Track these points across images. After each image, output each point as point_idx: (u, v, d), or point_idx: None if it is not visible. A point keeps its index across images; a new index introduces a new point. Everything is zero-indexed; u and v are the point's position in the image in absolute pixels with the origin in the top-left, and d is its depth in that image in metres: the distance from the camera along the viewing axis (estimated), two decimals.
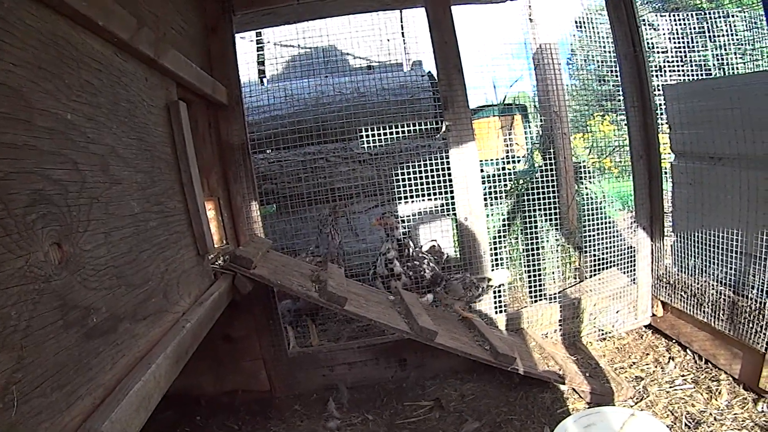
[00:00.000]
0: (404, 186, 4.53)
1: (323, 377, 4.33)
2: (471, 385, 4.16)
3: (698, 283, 4.12)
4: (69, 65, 1.78)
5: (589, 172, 5.18)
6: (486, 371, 4.23)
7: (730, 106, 3.70)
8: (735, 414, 3.49)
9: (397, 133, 4.67)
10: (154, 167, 2.43)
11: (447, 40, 4.27)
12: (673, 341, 4.54)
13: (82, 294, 1.65)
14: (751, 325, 3.60)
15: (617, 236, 4.87)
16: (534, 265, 4.95)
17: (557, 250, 4.99)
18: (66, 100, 1.72)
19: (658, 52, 4.96)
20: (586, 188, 5.06)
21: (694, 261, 4.23)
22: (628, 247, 4.88)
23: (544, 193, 4.77)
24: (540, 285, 4.92)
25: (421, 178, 4.48)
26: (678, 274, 4.42)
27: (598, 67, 5.12)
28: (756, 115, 3.47)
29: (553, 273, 4.97)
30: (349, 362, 4.34)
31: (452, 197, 4.45)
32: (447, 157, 4.43)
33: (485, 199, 4.63)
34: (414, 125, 4.68)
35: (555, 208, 4.87)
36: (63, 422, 1.46)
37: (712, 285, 3.98)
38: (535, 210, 4.83)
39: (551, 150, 5.02)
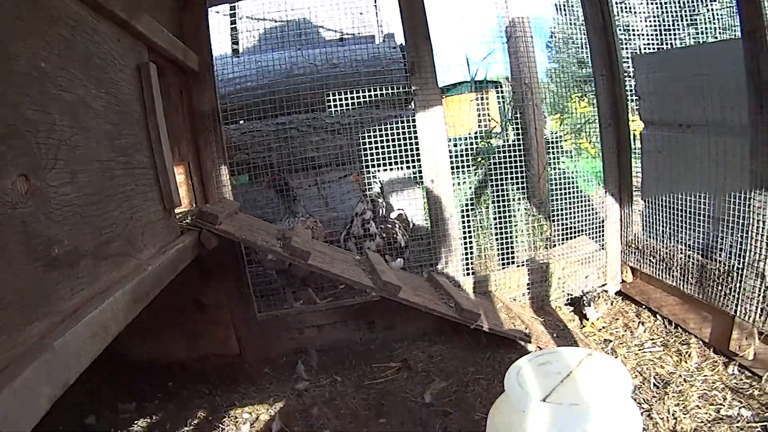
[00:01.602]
0: (374, 155, 4.59)
1: (292, 341, 4.41)
2: (439, 347, 4.26)
3: (667, 248, 4.23)
4: (46, 21, 1.89)
5: (562, 147, 5.27)
6: (454, 333, 4.32)
7: (699, 74, 3.79)
8: (705, 376, 3.59)
9: (368, 103, 4.76)
10: (123, 122, 2.52)
11: (414, 6, 4.36)
12: (643, 307, 4.65)
13: (46, 226, 1.73)
14: (720, 288, 3.70)
15: (587, 206, 4.96)
16: (504, 235, 5.03)
17: (528, 220, 5.07)
18: (42, 51, 1.83)
19: (636, 35, 5.04)
20: (557, 159, 5.14)
21: (663, 227, 4.32)
22: (597, 216, 4.98)
23: (514, 163, 4.84)
24: (511, 254, 4.99)
25: (391, 147, 4.55)
26: (647, 240, 4.52)
27: (577, 51, 5.21)
28: (724, 83, 3.56)
29: (523, 242, 5.05)
30: (317, 325, 4.41)
31: (419, 162, 4.54)
32: (416, 125, 4.53)
33: (456, 170, 4.73)
34: (384, 95, 4.75)
35: (525, 179, 4.95)
36: (20, 338, 1.54)
37: (681, 250, 4.08)
38: (505, 180, 4.90)
39: (522, 121, 5.10)
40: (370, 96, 4.66)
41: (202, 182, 4.26)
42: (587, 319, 4.51)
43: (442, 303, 4.00)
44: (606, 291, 4.59)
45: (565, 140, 5.47)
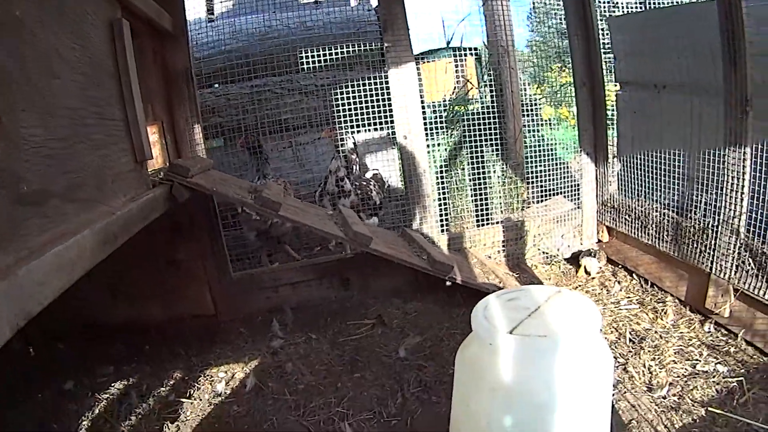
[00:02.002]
0: (350, 116, 4.54)
1: (267, 299, 4.38)
2: (414, 303, 4.25)
3: (643, 207, 4.22)
4: None
5: (539, 109, 5.24)
6: (429, 291, 4.30)
7: (675, 35, 3.76)
8: (681, 332, 3.60)
9: (343, 64, 4.71)
10: (95, 74, 2.50)
11: None
12: (619, 266, 4.65)
13: (15, 163, 1.72)
14: (695, 245, 3.69)
15: (564, 169, 4.94)
16: (480, 196, 5.01)
17: (504, 182, 5.04)
18: (17, 1, 1.82)
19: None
20: (534, 122, 5.12)
21: (639, 187, 4.32)
22: (573, 178, 4.96)
23: (490, 125, 4.84)
24: (486, 214, 4.99)
25: (365, 107, 4.50)
26: (623, 200, 4.51)
27: (558, 23, 5.17)
28: (699, 44, 3.52)
29: (499, 203, 5.03)
30: (292, 283, 4.38)
31: (392, 118, 4.51)
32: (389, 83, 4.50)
33: (432, 132, 4.70)
34: (358, 54, 4.70)
35: (501, 141, 4.96)
36: None
37: (656, 208, 4.08)
38: (481, 142, 4.88)
39: (498, 84, 5.06)
40: (344, 53, 4.60)
41: (175, 141, 4.21)
42: (587, 273, 4.49)
43: (415, 256, 3.96)
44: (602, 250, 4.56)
45: (542, 107, 5.45)
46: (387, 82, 4.48)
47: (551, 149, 5.12)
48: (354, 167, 4.87)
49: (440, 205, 4.84)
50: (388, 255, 3.72)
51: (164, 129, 4.12)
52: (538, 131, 5.20)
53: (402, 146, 4.56)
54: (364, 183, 4.87)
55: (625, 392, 3.17)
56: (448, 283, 3.93)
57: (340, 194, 4.71)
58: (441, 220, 4.81)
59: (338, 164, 4.66)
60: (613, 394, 3.13)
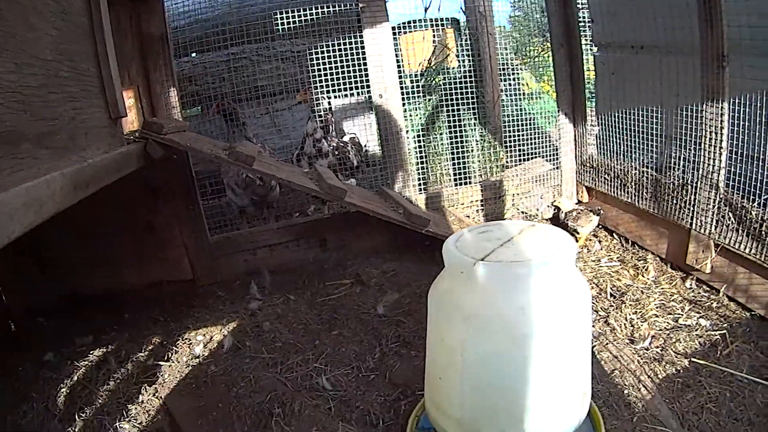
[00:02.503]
0: (327, 81, 4.44)
1: (245, 262, 4.31)
2: (392, 263, 4.19)
3: (621, 166, 4.16)
4: None
5: (518, 75, 5.19)
6: (407, 250, 4.24)
7: None
8: (663, 288, 3.56)
9: (320, 30, 4.61)
10: (70, 30, 2.52)
11: None
12: (599, 226, 4.57)
13: None
14: (675, 202, 3.65)
15: (542, 133, 4.88)
16: (459, 159, 4.94)
17: (482, 146, 4.98)
18: None
19: None
20: (512, 87, 5.06)
21: (618, 147, 4.26)
22: (552, 144, 4.90)
23: (468, 90, 4.76)
24: (465, 176, 4.94)
25: (342, 72, 4.42)
26: (601, 159, 4.45)
27: None
28: (676, 3, 3.46)
29: (478, 166, 4.97)
30: (270, 245, 4.31)
31: (368, 82, 4.42)
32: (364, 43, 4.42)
33: (411, 98, 4.63)
34: (335, 23, 4.60)
35: (479, 105, 4.92)
36: None
37: (635, 167, 4.03)
38: (460, 106, 4.81)
39: (476, 49, 4.99)
40: (320, 15, 4.50)
41: (151, 105, 4.14)
42: (577, 234, 4.42)
43: (391, 210, 3.88)
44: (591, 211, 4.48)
45: (521, 73, 5.39)
46: (363, 46, 4.38)
47: (532, 118, 5.06)
48: (330, 127, 4.77)
49: (419, 168, 4.77)
50: (363, 208, 3.63)
51: (140, 94, 4.08)
52: (516, 97, 5.12)
53: (378, 106, 4.47)
54: (342, 144, 4.79)
55: (607, 344, 3.12)
56: (426, 243, 3.86)
57: (318, 155, 4.61)
58: (419, 182, 4.71)
59: (315, 126, 4.57)
60: (595, 346, 3.09)
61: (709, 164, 3.38)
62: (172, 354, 3.38)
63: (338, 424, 2.64)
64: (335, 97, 4.55)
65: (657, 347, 3.04)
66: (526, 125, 4.84)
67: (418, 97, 4.95)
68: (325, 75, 4.40)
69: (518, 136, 4.80)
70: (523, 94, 5.34)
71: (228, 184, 4.56)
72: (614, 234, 4.42)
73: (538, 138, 4.85)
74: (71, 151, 2.39)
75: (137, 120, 3.93)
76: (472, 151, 4.99)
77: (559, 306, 1.94)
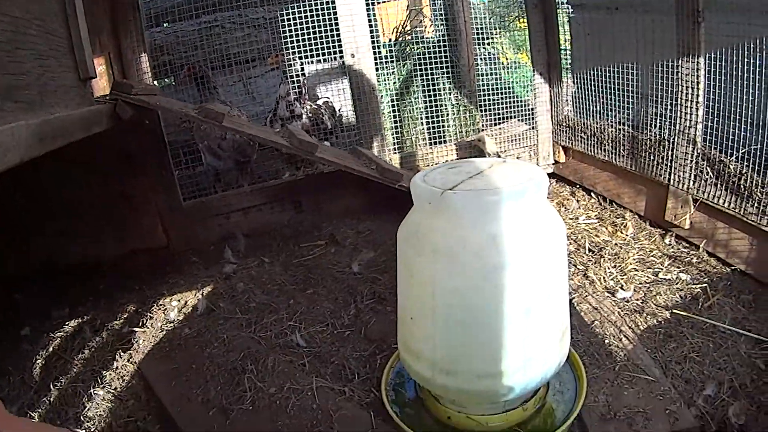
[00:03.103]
0: (300, 47, 4.32)
1: (219, 227, 4.21)
2: (368, 223, 4.13)
3: (598, 124, 4.10)
4: None
5: (493, 38, 5.11)
6: (384, 211, 4.17)
7: None
8: (642, 245, 3.50)
9: None
10: None
11: None
12: (577, 186, 4.51)
13: None
14: (652, 158, 3.58)
15: (521, 103, 4.81)
16: (434, 123, 4.87)
17: (458, 110, 4.89)
18: None
19: None
20: (487, 52, 4.98)
21: (594, 106, 4.19)
22: (529, 108, 4.82)
23: (443, 54, 4.69)
24: (441, 139, 4.83)
25: (315, 37, 4.31)
26: (578, 118, 4.39)
27: None
28: None
29: (453, 130, 4.88)
30: (244, 208, 4.21)
31: (339, 39, 4.29)
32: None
33: (385, 63, 4.54)
34: None
35: (454, 69, 4.85)
36: None
37: (612, 124, 3.97)
38: (435, 71, 4.73)
39: (451, 13, 4.89)
40: None
41: (123, 73, 4.03)
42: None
43: (364, 166, 3.76)
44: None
45: (497, 37, 5.30)
46: (334, 5, 4.25)
47: (509, 86, 5.01)
48: (303, 90, 4.67)
49: (394, 132, 4.67)
50: (335, 163, 3.51)
51: (111, 60, 3.98)
52: (493, 64, 5.05)
53: (350, 66, 4.34)
54: (315, 107, 4.68)
55: (586, 296, 3.05)
56: (403, 203, 3.76)
57: (291, 118, 4.51)
58: (394, 144, 4.61)
59: (287, 88, 4.46)
60: (574, 297, 3.02)
61: (686, 119, 3.31)
62: (146, 320, 3.29)
63: (312, 378, 2.56)
64: (308, 62, 4.42)
65: (637, 300, 2.98)
66: (504, 91, 4.74)
67: (393, 62, 4.86)
68: (297, 38, 4.28)
69: (494, 100, 4.69)
70: (502, 64, 5.26)
71: (209, 147, 4.42)
72: (592, 193, 4.34)
73: (515, 102, 4.74)
74: (39, 107, 2.36)
75: (108, 87, 3.79)
76: (447, 114, 4.91)
77: (532, 237, 1.83)
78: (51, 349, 3.19)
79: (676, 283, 3.06)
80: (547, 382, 2.34)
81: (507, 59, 5.49)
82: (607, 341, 2.67)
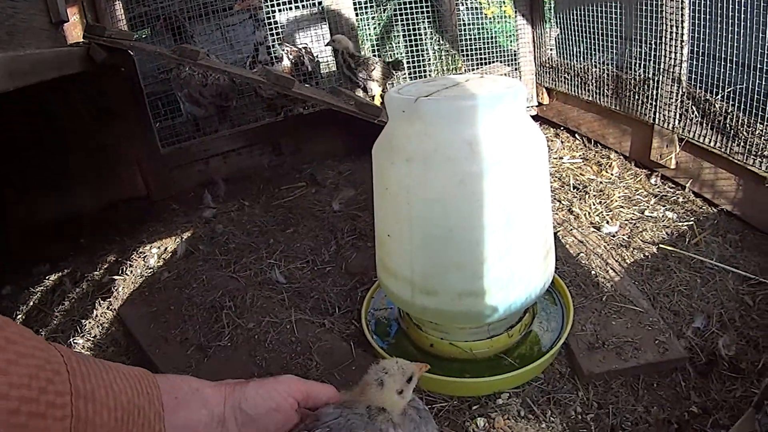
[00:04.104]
0: None
1: (199, 173, 4.12)
2: (349, 164, 4.09)
3: (582, 65, 4.00)
4: None
5: None
6: (364, 153, 4.00)
7: None
8: (627, 184, 3.44)
9: None
10: None
11: None
12: (561, 128, 4.42)
13: None
14: (637, 97, 3.49)
15: (501, 48, 4.70)
16: (416, 70, 4.78)
17: (440, 56, 4.78)
18: None
19: None
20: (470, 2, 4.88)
21: (577, 47, 4.09)
22: (512, 54, 4.72)
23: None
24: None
25: None
26: (561, 60, 4.28)
27: None
28: None
29: (435, 74, 4.79)
30: (223, 152, 4.13)
31: None
32: None
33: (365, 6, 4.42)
34: None
35: (435, 14, 4.75)
36: None
37: (596, 64, 3.87)
38: (416, 16, 4.62)
39: None
40: None
41: (97, 20, 3.89)
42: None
43: (343, 103, 3.65)
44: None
45: (485, 4, 5.19)
46: None
47: (492, 35, 4.89)
48: (281, 31, 4.54)
49: None
50: (310, 97, 3.41)
51: (84, 8, 3.85)
52: (476, 13, 4.94)
53: (328, 7, 4.21)
54: (296, 50, 4.53)
55: (571, 230, 2.98)
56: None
57: (272, 61, 4.36)
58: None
59: (264, 33, 4.30)
60: (559, 231, 2.95)
61: (670, 58, 3.21)
62: (126, 269, 3.21)
63: (291, 312, 2.49)
64: (287, 8, 4.30)
65: (624, 235, 2.91)
66: (486, 39, 4.67)
67: (373, 6, 4.73)
68: None
69: (477, 46, 4.59)
70: (485, 15, 5.14)
71: (188, 96, 4.28)
72: (576, 134, 4.24)
73: (497, 49, 4.64)
74: (9, 46, 2.35)
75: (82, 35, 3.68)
76: (429, 60, 4.80)
77: (509, 145, 1.71)
78: (31, 304, 3.12)
79: (663, 221, 3.00)
80: (533, 311, 2.29)
81: (491, 11, 5.37)
82: (593, 272, 2.60)
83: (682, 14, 3.08)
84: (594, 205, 3.20)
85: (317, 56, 5.04)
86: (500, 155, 1.68)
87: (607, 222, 3.02)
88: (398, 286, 1.96)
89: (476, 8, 5.00)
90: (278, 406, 1.14)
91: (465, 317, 1.94)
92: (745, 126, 2.79)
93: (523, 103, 1.82)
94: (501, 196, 1.70)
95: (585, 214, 3.13)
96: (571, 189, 3.43)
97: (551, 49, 4.43)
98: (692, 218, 2.96)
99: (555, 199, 3.32)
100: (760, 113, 2.71)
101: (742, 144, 2.81)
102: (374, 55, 4.60)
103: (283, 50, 4.34)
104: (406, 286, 1.92)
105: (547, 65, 4.41)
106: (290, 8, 4.29)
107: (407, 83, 2.05)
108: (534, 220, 1.84)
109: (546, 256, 1.96)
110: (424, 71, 4.73)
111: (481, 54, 4.62)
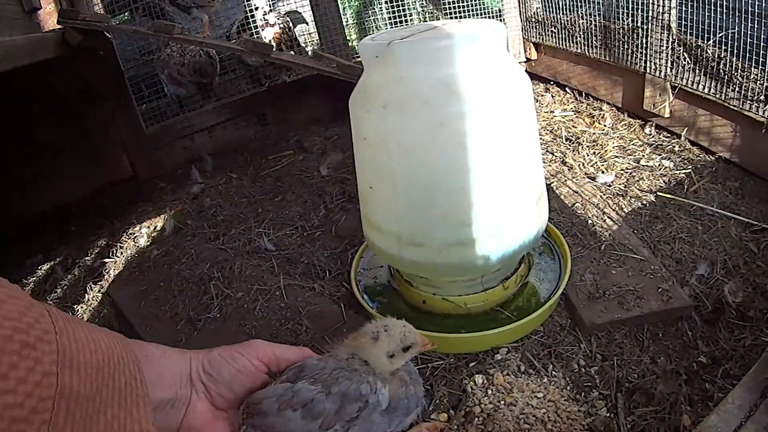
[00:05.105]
0: None
1: (185, 150, 4.03)
2: (335, 129, 4.02)
3: (568, 17, 3.87)
4: None
5: None
6: (349, 116, 3.99)
7: None
8: (621, 134, 3.35)
9: None
10: None
11: None
12: (551, 82, 4.30)
13: None
14: (627, 47, 3.37)
15: (487, 8, 4.58)
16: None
17: (424, 17, 4.68)
18: None
19: None
20: None
21: (563, 0, 3.94)
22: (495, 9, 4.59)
23: None
24: None
25: None
26: (547, 14, 4.16)
27: None
28: None
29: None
30: (208, 127, 4.04)
31: None
32: None
33: None
34: None
35: None
36: None
37: (583, 15, 3.74)
38: None
39: None
40: None
41: (72, 5, 3.71)
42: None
43: (324, 65, 3.54)
44: None
45: None
46: None
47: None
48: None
49: (358, 42, 4.46)
50: (291, 62, 3.32)
51: None
52: None
53: None
54: (282, 16, 4.42)
55: (565, 180, 2.89)
56: None
57: (264, 26, 4.22)
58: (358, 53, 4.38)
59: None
60: (552, 182, 2.86)
61: (659, 5, 3.08)
62: (117, 251, 3.15)
63: (280, 278, 2.43)
64: None
65: (620, 184, 2.83)
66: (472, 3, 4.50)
67: None
68: None
69: (461, 4, 4.44)
70: None
71: (169, 76, 4.17)
72: (567, 88, 4.12)
73: (483, 9, 4.51)
74: None
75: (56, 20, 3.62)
76: (412, 19, 4.67)
77: (490, 84, 1.60)
78: None
79: (659, 170, 2.91)
80: (529, 262, 2.19)
81: None
82: (590, 222, 2.51)
83: None
84: (588, 156, 3.12)
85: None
86: (480, 95, 1.57)
87: (602, 172, 2.93)
88: (385, 240, 1.87)
89: None
90: (243, 368, 1.15)
91: (456, 269, 1.85)
92: (739, 71, 2.69)
93: (503, 42, 1.71)
94: (484, 138, 1.60)
95: (579, 165, 3.04)
96: (564, 141, 3.34)
97: (537, 3, 4.30)
98: (690, 166, 2.88)
99: (547, 151, 3.24)
100: (754, 57, 2.60)
101: (737, 89, 2.71)
102: (355, 21, 4.47)
103: (271, 19, 4.25)
104: (393, 240, 1.82)
105: (533, 19, 4.29)
106: None
107: (381, 32, 1.93)
108: (522, 163, 1.74)
109: (538, 201, 1.86)
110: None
111: (466, 14, 4.49)
